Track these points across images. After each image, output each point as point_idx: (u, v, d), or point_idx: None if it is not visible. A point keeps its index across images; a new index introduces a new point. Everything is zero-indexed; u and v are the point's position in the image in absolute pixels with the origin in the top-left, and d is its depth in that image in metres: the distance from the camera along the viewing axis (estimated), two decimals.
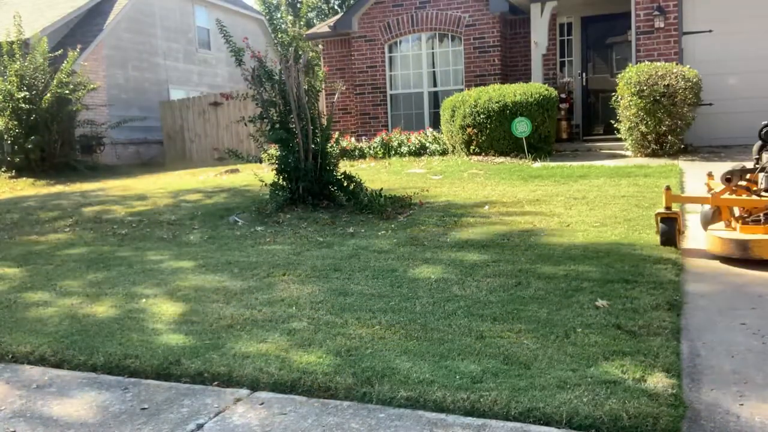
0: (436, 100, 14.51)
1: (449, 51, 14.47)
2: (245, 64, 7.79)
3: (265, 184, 8.01)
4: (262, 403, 2.99)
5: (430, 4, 14.26)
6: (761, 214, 4.86)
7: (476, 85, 13.09)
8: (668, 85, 9.76)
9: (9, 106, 14.92)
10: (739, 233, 4.86)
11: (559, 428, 2.62)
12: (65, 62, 15.42)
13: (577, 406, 2.72)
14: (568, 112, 13.22)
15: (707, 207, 5.39)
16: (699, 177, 8.31)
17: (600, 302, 3.93)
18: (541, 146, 10.87)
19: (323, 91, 14.71)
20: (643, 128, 10.07)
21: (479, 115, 10.98)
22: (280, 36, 7.91)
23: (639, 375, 2.97)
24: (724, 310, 3.82)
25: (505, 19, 14.06)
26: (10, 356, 3.76)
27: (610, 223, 5.99)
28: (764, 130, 5.26)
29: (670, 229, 5.12)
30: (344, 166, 8.63)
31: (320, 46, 16.77)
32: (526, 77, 13.35)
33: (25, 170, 15.16)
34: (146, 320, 4.18)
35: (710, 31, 11.03)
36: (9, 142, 15.30)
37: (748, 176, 5.24)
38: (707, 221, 5.42)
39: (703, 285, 4.32)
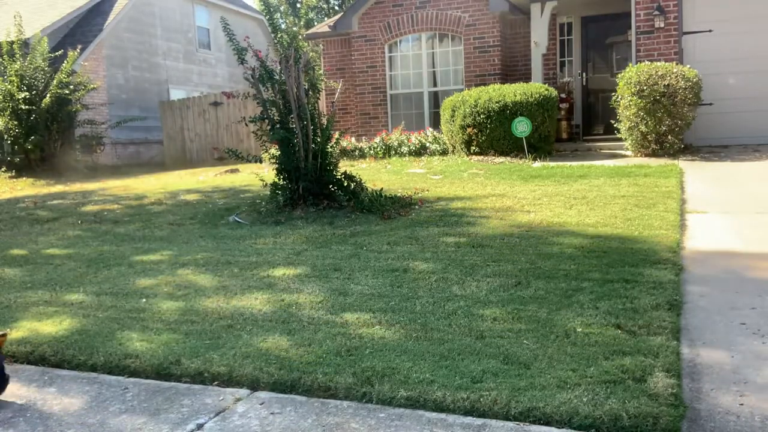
0: (436, 100, 14.51)
1: (449, 51, 14.46)
2: (247, 63, 7.79)
3: (266, 184, 8.01)
4: (262, 403, 2.99)
5: (430, 3, 14.26)
6: None
7: (476, 85, 13.09)
8: (668, 85, 9.76)
9: (9, 106, 14.92)
10: None
11: (559, 428, 2.62)
12: (65, 62, 15.42)
13: (577, 405, 2.72)
14: (568, 112, 13.22)
15: None
16: (699, 177, 8.32)
17: None
18: (541, 146, 10.87)
19: (323, 91, 14.72)
20: (643, 128, 10.07)
21: (479, 115, 10.98)
22: (279, 36, 7.91)
23: (639, 375, 2.97)
24: (724, 310, 3.82)
25: (505, 19, 14.06)
26: (10, 356, 3.76)
27: (610, 223, 5.99)
28: None
29: None
30: (344, 166, 8.63)
31: (320, 46, 16.76)
32: (526, 77, 13.35)
33: (25, 170, 15.16)
34: (146, 320, 4.18)
35: (710, 31, 11.03)
36: (9, 142, 15.30)
37: None
38: None
39: (703, 285, 4.32)
